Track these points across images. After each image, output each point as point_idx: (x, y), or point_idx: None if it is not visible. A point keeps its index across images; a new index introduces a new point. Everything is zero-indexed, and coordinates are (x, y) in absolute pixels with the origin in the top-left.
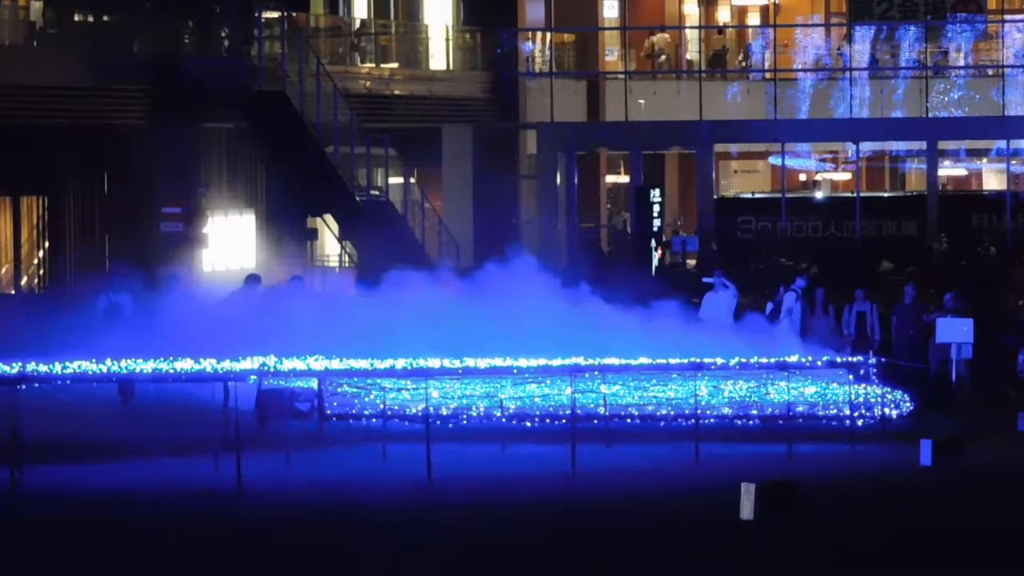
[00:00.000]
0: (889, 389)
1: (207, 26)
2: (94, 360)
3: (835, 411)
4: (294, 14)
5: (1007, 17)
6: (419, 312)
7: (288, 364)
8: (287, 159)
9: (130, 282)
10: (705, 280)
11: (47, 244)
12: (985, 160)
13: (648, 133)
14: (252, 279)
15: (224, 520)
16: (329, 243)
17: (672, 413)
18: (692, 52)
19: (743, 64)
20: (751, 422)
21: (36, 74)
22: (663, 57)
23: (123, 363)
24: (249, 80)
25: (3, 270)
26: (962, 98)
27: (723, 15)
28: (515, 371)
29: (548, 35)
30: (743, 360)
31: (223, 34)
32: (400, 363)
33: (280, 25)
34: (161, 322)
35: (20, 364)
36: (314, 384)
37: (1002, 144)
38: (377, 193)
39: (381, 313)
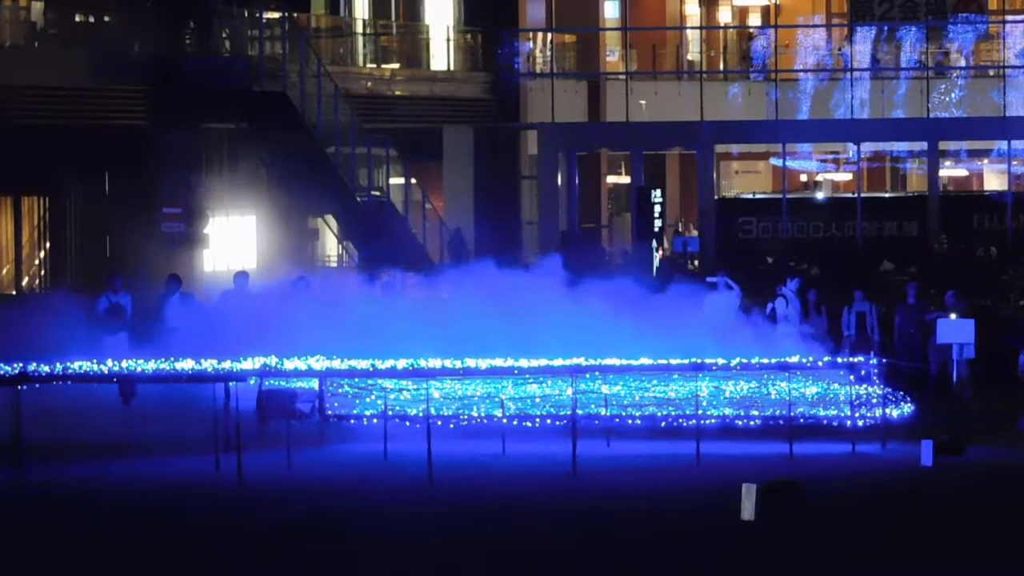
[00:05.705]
0: (890, 389)
1: (207, 26)
2: (95, 360)
3: (836, 411)
4: (294, 14)
5: (1008, 17)
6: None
7: (288, 364)
8: (288, 159)
9: (131, 282)
10: (709, 280)
11: (48, 244)
12: (986, 161)
13: (649, 133)
14: (241, 275)
15: (225, 520)
16: (329, 243)
17: (673, 413)
18: (693, 52)
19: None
20: (752, 422)
21: (37, 74)
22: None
23: (124, 363)
24: (249, 80)
25: (4, 270)
26: (963, 99)
27: (724, 15)
28: (516, 371)
29: (549, 35)
30: (744, 360)
31: (223, 34)
32: (401, 363)
33: (280, 25)
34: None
35: (21, 364)
36: (315, 384)
37: (1003, 145)
38: (378, 193)
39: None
